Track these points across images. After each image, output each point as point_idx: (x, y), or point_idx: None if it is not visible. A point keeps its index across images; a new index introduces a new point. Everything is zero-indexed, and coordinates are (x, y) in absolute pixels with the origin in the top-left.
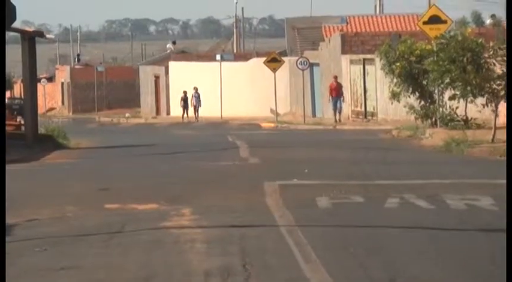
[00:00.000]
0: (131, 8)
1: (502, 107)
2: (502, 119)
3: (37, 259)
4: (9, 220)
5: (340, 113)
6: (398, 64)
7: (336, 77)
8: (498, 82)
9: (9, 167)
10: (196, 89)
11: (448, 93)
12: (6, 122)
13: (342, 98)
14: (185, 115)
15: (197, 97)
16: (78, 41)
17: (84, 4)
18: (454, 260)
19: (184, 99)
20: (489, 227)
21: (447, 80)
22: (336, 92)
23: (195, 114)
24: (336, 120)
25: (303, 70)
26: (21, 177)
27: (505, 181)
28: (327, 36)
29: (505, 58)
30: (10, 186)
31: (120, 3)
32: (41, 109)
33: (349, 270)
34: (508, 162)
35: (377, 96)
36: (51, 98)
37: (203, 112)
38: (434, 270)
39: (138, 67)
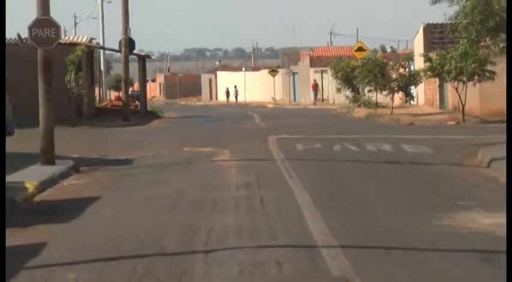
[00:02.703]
0: (197, 41)
1: (396, 96)
2: (396, 103)
3: (148, 177)
4: (130, 156)
5: (316, 99)
6: (340, 73)
7: (315, 80)
8: (393, 83)
9: (131, 128)
10: (235, 86)
11: (367, 89)
12: (131, 103)
13: (318, 93)
14: (227, 101)
15: (236, 91)
16: (168, 60)
17: (171, 39)
18: (371, 178)
19: (227, 92)
20: (389, 160)
21: (366, 81)
22: (314, 88)
23: (236, 100)
24: (315, 103)
25: (289, 76)
26: (137, 133)
27: (398, 136)
28: (302, 58)
29: (400, 70)
30: (131, 138)
31: (192, 39)
32: (148, 97)
33: (313, 184)
34: (508, 163)
35: (329, 90)
36: (153, 91)
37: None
38: (361, 185)
39: (200, 75)
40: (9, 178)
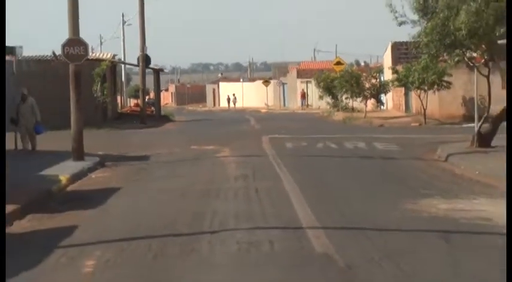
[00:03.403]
0: (202, 57)
1: (368, 102)
2: (368, 108)
3: (162, 171)
4: (147, 153)
5: (303, 105)
6: (322, 83)
7: (303, 89)
8: (367, 91)
9: (147, 130)
10: (234, 94)
11: (344, 96)
12: (147, 109)
13: (305, 100)
14: (228, 107)
15: (235, 98)
16: (179, 73)
17: (181, 55)
18: (348, 171)
19: (228, 99)
20: (364, 155)
21: (344, 90)
22: (302, 96)
23: (234, 106)
24: (303, 108)
25: (279, 86)
26: (153, 134)
27: (371, 135)
28: (290, 70)
29: (372, 81)
30: (148, 138)
31: (198, 55)
32: (162, 104)
33: (300, 176)
34: (508, 163)
35: (313, 97)
36: (166, 98)
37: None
38: (340, 177)
39: (205, 85)
40: (45, 172)
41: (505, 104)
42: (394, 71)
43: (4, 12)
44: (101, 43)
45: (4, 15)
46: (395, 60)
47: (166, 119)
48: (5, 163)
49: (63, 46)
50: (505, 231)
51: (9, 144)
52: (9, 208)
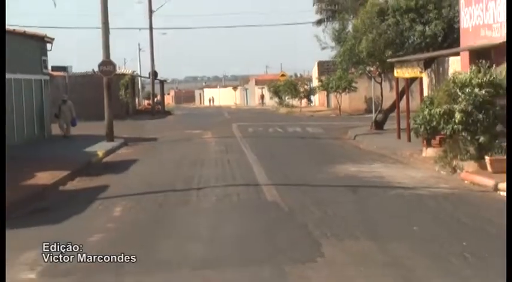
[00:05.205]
0: (192, 71)
1: (303, 101)
2: (303, 105)
3: (165, 148)
4: (155, 135)
5: (262, 104)
6: (272, 88)
7: (261, 92)
8: (301, 93)
9: (156, 121)
10: (213, 96)
11: (287, 97)
12: (156, 107)
13: (263, 100)
14: (210, 105)
15: (213, 99)
16: (177, 83)
17: (178, 70)
18: (290, 147)
19: (209, 100)
20: (300, 136)
21: (286, 93)
22: (261, 98)
23: (213, 104)
24: (261, 105)
25: (243, 91)
26: (160, 123)
27: (304, 123)
28: (250, 80)
29: (305, 86)
30: (156, 126)
31: (189, 70)
32: (165, 103)
33: (258, 151)
34: (508, 164)
35: (266, 98)
36: (168, 99)
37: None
38: (284, 151)
39: (194, 90)
40: (87, 149)
41: (392, 102)
42: (319, 80)
43: (4, 12)
44: (125, 63)
45: (4, 15)
46: (320, 72)
47: (168, 113)
48: (5, 162)
49: (99, 65)
50: (394, 184)
51: (56, 131)
52: (64, 173)
